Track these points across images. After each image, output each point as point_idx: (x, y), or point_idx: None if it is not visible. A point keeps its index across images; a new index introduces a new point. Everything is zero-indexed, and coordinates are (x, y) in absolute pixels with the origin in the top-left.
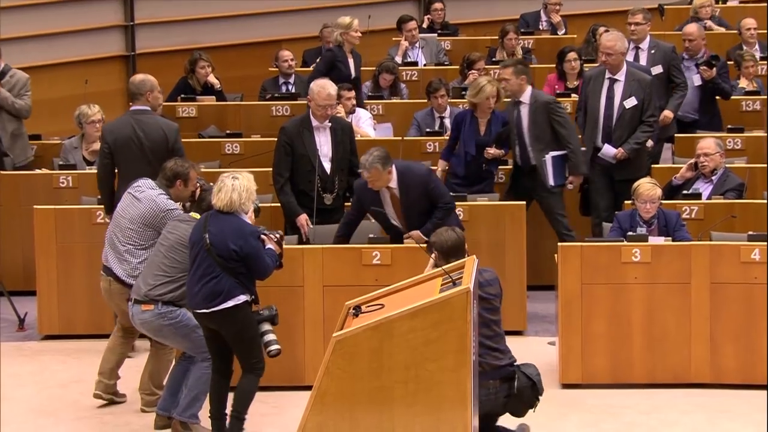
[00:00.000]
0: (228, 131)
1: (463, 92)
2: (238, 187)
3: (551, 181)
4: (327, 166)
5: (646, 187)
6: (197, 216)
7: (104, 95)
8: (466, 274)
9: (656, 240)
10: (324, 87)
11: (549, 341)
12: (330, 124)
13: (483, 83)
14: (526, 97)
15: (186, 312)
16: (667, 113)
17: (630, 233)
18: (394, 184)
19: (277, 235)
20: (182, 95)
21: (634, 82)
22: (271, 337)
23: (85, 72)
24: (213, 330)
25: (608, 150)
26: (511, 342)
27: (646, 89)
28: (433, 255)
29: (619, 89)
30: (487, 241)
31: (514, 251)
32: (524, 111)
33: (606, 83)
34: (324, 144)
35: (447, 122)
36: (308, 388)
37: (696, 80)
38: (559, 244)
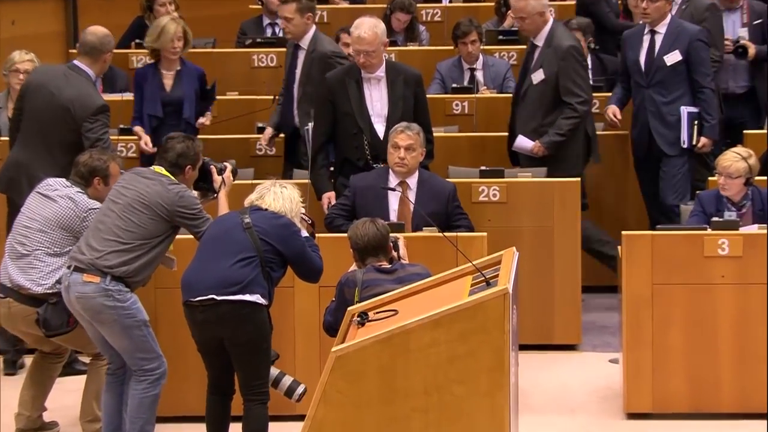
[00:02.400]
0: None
1: (501, 36)
2: (288, 197)
3: None
4: (379, 128)
5: (727, 157)
6: (160, 169)
7: (36, 39)
8: (504, 271)
9: (749, 228)
10: (355, 26)
11: (610, 359)
12: (384, 74)
13: (164, 23)
14: (305, 41)
15: (137, 300)
16: (704, 140)
17: (715, 219)
18: (414, 182)
19: (310, 220)
20: (137, 40)
21: (550, 50)
22: (288, 377)
23: (12, 10)
24: (210, 337)
25: (523, 143)
26: (562, 359)
27: (562, 60)
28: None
29: (532, 61)
30: (530, 230)
31: (565, 242)
32: (300, 59)
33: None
34: (377, 99)
35: (479, 76)
36: (300, 418)
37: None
38: (623, 233)
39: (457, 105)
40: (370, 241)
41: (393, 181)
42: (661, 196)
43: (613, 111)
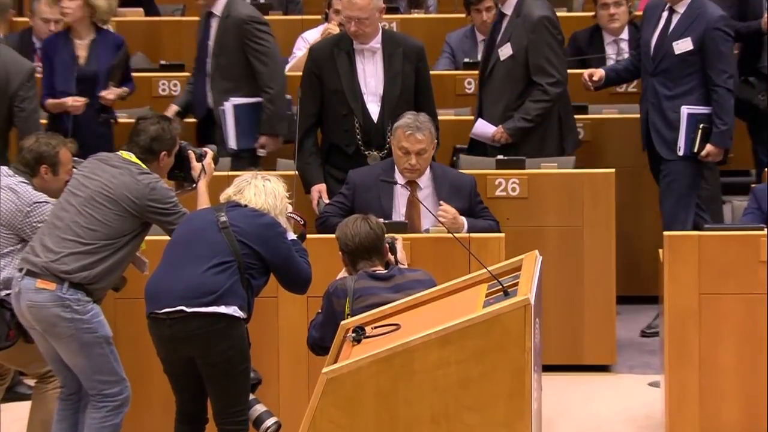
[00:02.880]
0: (163, 61)
1: None
2: (272, 191)
3: (231, 143)
4: (373, 109)
5: None
6: (129, 155)
7: None
8: (525, 278)
9: None
10: None
11: (650, 382)
12: (379, 46)
13: None
14: (219, 6)
15: (100, 312)
16: (710, 148)
17: None
18: (426, 180)
19: (301, 220)
20: None
21: (518, 20)
22: (260, 405)
23: None
24: (179, 356)
25: (483, 128)
26: (593, 383)
27: (532, 33)
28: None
29: (499, 33)
30: (555, 230)
31: (596, 245)
32: (213, 28)
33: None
34: (371, 75)
35: None
36: None
37: None
38: (665, 233)
39: (469, 83)
40: (362, 242)
41: (400, 179)
42: (660, 207)
43: (590, 72)
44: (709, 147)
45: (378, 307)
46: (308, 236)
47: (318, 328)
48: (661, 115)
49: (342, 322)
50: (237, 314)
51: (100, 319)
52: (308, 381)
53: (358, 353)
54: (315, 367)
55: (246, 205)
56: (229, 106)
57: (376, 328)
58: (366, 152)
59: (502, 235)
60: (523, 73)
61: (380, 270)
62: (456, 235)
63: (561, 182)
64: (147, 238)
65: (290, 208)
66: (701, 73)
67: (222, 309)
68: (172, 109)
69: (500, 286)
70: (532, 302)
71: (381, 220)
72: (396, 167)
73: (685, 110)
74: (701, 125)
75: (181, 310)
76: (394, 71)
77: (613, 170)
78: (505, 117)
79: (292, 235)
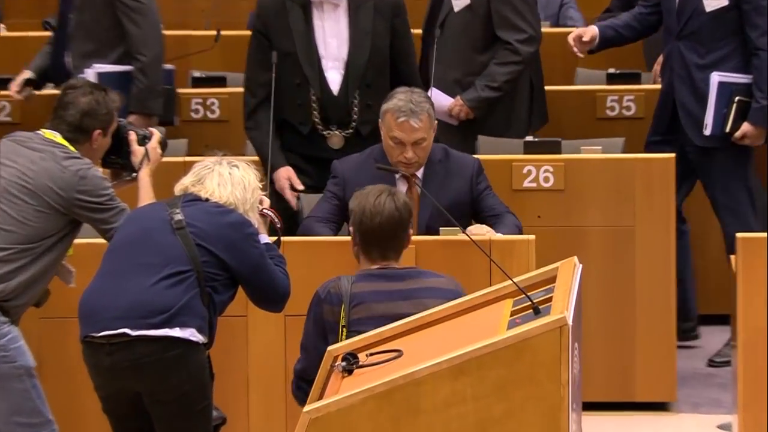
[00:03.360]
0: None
1: None
2: (240, 181)
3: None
4: (334, 78)
5: None
6: (53, 135)
7: None
8: (560, 292)
9: None
10: None
11: (720, 424)
12: None
13: None
14: None
15: (20, 336)
16: (746, 128)
17: None
18: (420, 169)
19: (278, 220)
20: None
21: None
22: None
23: None
24: (121, 390)
25: (438, 99)
26: (648, 424)
27: None
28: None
29: None
30: (599, 231)
31: (652, 250)
32: None
33: None
34: (332, 35)
35: None
36: None
37: None
38: (738, 235)
39: None
40: (381, 226)
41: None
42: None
43: (578, 33)
44: (746, 126)
45: (381, 320)
46: (288, 239)
47: (302, 354)
48: (690, 89)
49: (329, 348)
50: (195, 338)
51: (20, 345)
52: (285, 422)
53: (349, 387)
54: (294, 404)
55: (207, 199)
56: (90, 73)
57: (372, 354)
58: (325, 132)
59: (532, 237)
60: (483, 29)
61: (393, 266)
62: (473, 237)
63: (607, 170)
64: (76, 241)
65: (265, 203)
66: (740, 35)
67: (176, 332)
68: (23, 76)
69: (529, 302)
70: (570, 322)
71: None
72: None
73: (715, 77)
74: (737, 98)
75: (124, 334)
76: (361, 30)
77: (673, 155)
78: (461, 85)
79: (266, 238)
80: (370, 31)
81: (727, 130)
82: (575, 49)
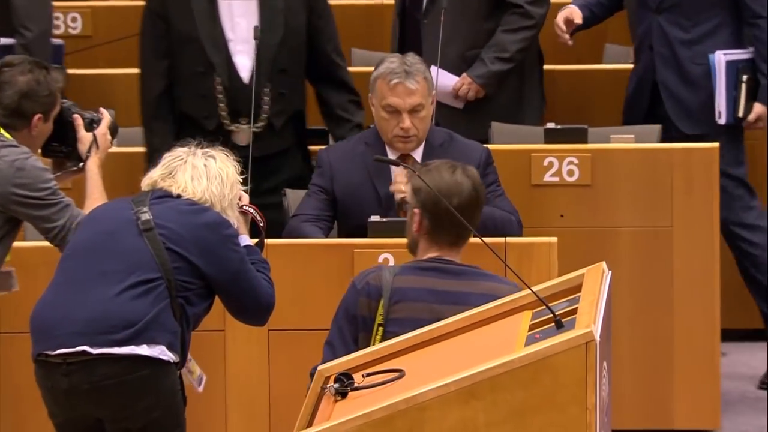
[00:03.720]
0: None
1: None
2: (217, 174)
3: None
4: (244, 63)
5: None
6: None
7: None
8: (586, 302)
9: None
10: None
11: None
12: None
13: None
14: None
15: None
16: (760, 109)
17: None
18: (420, 151)
19: (261, 219)
20: None
21: None
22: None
23: None
24: (80, 416)
25: (442, 80)
26: None
27: None
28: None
29: None
30: (632, 233)
31: (693, 253)
32: None
33: None
34: (240, 15)
35: None
36: None
37: None
38: None
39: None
40: (462, 206)
41: (390, 153)
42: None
43: (567, 15)
44: (758, 108)
45: (423, 323)
46: (272, 242)
47: (326, 352)
48: (675, 70)
49: (319, 367)
50: (165, 357)
51: None
52: None
53: (342, 412)
54: (279, 429)
55: (179, 195)
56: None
57: (369, 375)
58: (233, 127)
59: (554, 239)
60: None
61: (452, 259)
62: (486, 239)
63: (641, 162)
64: (24, 244)
65: (245, 199)
66: (727, 3)
67: (143, 350)
68: None
69: (551, 314)
70: (597, 338)
71: (375, 218)
72: (382, 138)
73: (721, 57)
74: (744, 76)
75: (84, 352)
76: (272, 8)
77: (716, 144)
78: (468, 61)
79: (247, 240)
80: (282, 8)
81: (740, 114)
82: (565, 35)
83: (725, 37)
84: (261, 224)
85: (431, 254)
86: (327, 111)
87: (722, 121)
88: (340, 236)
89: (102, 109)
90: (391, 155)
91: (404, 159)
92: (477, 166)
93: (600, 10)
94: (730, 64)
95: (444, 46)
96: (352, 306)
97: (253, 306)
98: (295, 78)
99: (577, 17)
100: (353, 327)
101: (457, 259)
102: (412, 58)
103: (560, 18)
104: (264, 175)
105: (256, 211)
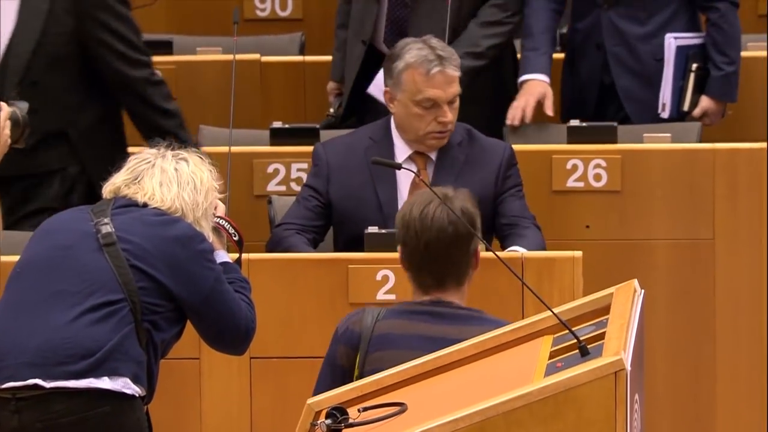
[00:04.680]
0: None
1: None
2: (189, 179)
3: None
4: None
5: None
6: None
7: None
8: (616, 325)
9: None
10: None
11: None
12: None
13: None
14: None
15: None
16: (707, 103)
17: None
18: (434, 151)
19: (236, 233)
20: None
21: None
22: None
23: None
24: None
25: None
26: None
27: None
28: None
29: None
30: (668, 246)
31: (737, 268)
32: None
33: None
34: (5, 16)
35: None
36: None
37: None
38: None
39: None
40: (430, 245)
41: (402, 151)
42: None
43: (539, 96)
44: (705, 101)
45: None
46: (255, 256)
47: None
48: (634, 68)
49: (308, 402)
50: (129, 390)
51: None
52: None
53: None
54: None
55: (146, 204)
56: None
57: (366, 409)
58: None
59: (579, 253)
60: None
61: (448, 300)
62: (500, 254)
63: (678, 165)
64: None
65: (220, 210)
66: None
67: (104, 382)
68: None
69: (574, 340)
70: (628, 367)
71: (372, 230)
72: (408, 135)
73: (671, 41)
74: (693, 65)
75: (36, 385)
76: (32, 11)
77: (764, 144)
78: None
79: (224, 256)
80: (44, 10)
81: (685, 108)
82: (515, 119)
83: (683, 23)
84: (236, 238)
85: (423, 296)
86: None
87: (665, 114)
88: (335, 249)
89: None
90: (403, 150)
91: (419, 159)
92: (498, 166)
93: (553, 41)
94: (681, 50)
95: (426, 33)
96: (332, 355)
97: (230, 332)
98: (54, 94)
99: (549, 97)
100: (337, 376)
101: (457, 300)
102: (435, 40)
103: (532, 104)
104: (12, 201)
105: (233, 225)
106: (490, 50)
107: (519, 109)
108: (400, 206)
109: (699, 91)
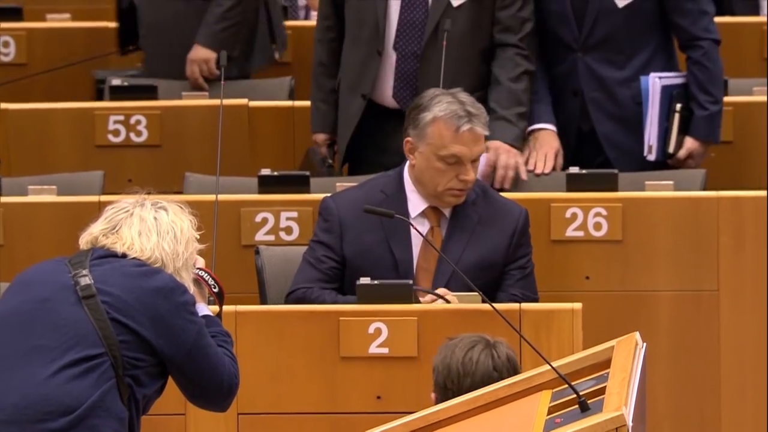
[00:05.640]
0: None
1: None
2: (169, 229)
3: None
4: None
5: None
6: None
7: None
8: (617, 379)
9: None
10: None
11: None
12: None
13: None
14: None
15: None
16: (692, 145)
17: None
18: (448, 208)
19: (216, 285)
20: None
21: None
22: None
23: None
24: None
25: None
26: None
27: None
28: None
29: None
30: (671, 297)
31: (743, 320)
32: None
33: None
34: None
35: None
36: None
37: None
38: None
39: None
40: (475, 387)
41: (416, 206)
42: None
43: (554, 163)
44: (690, 143)
45: None
46: (244, 308)
47: None
48: (615, 115)
49: None
50: None
51: None
52: None
53: None
54: None
55: (125, 254)
56: None
57: None
58: None
59: (578, 305)
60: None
61: None
62: (497, 306)
63: (681, 213)
64: None
65: (199, 262)
66: (658, 30)
67: None
68: None
69: (574, 395)
70: (630, 422)
71: (365, 280)
72: (426, 189)
73: (656, 81)
74: (677, 105)
75: None
76: None
77: (765, 192)
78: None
79: (205, 309)
80: None
81: (670, 149)
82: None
83: (662, 64)
84: (216, 290)
85: None
86: None
87: (652, 156)
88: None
89: None
90: (417, 204)
91: (433, 215)
92: (513, 231)
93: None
94: (665, 90)
95: (445, 87)
96: None
97: (212, 388)
98: None
99: (558, 152)
100: None
101: None
102: (463, 94)
103: (552, 156)
104: None
105: (213, 278)
106: (529, 102)
107: (542, 161)
108: (414, 266)
109: (683, 131)
